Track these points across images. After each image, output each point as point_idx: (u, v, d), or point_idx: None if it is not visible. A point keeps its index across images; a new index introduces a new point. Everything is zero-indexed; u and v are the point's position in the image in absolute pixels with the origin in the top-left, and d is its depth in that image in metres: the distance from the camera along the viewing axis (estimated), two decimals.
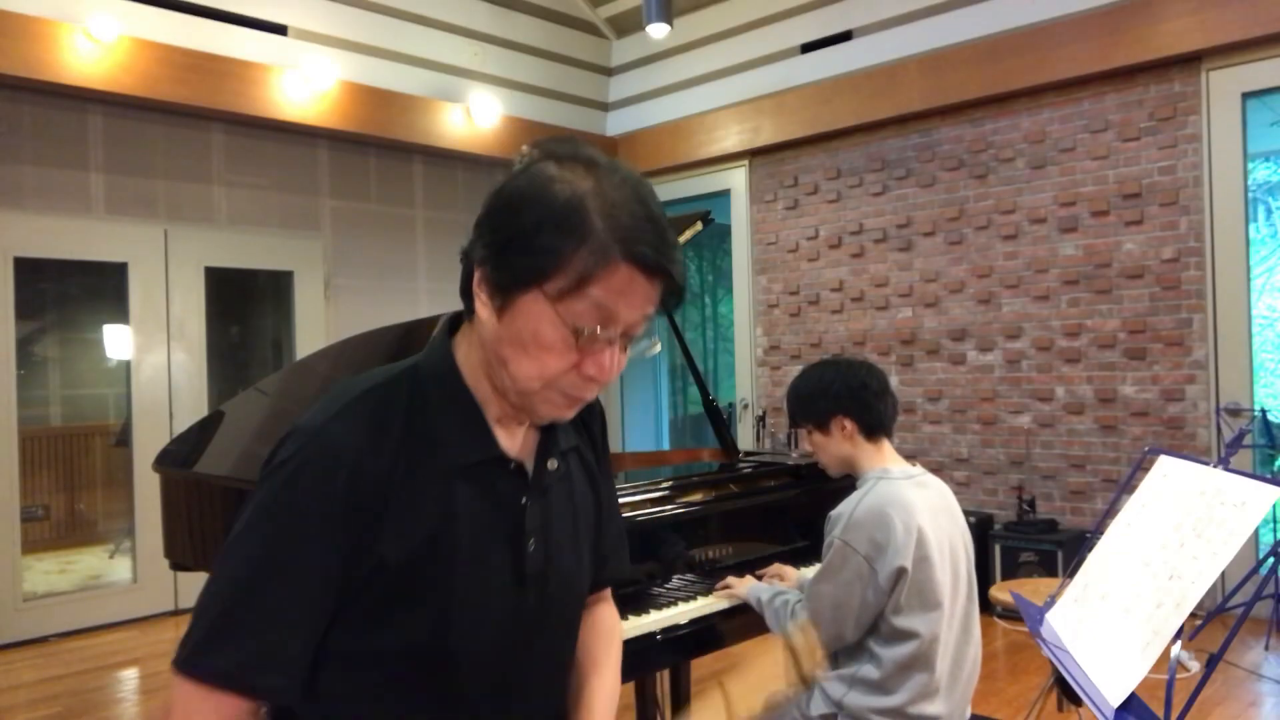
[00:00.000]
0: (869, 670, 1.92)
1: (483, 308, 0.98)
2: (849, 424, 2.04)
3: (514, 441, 1.07)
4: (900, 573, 1.85)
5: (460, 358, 1.04)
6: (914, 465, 2.06)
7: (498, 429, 1.05)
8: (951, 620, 1.95)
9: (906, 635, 1.88)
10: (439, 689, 1.00)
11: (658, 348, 0.87)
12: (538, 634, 1.08)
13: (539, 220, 0.92)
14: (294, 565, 0.93)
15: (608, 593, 1.31)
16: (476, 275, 0.98)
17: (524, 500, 1.06)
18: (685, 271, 0.99)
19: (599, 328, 0.95)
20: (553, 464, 1.11)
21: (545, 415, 1.03)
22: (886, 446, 2.07)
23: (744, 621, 2.17)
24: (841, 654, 1.99)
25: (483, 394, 1.04)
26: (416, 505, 0.98)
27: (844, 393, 2.04)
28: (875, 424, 2.04)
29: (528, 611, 1.06)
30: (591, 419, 1.23)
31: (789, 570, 2.37)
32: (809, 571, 2.34)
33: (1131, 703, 1.43)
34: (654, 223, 0.94)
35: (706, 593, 2.22)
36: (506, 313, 0.96)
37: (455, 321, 1.08)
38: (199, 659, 0.91)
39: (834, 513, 1.96)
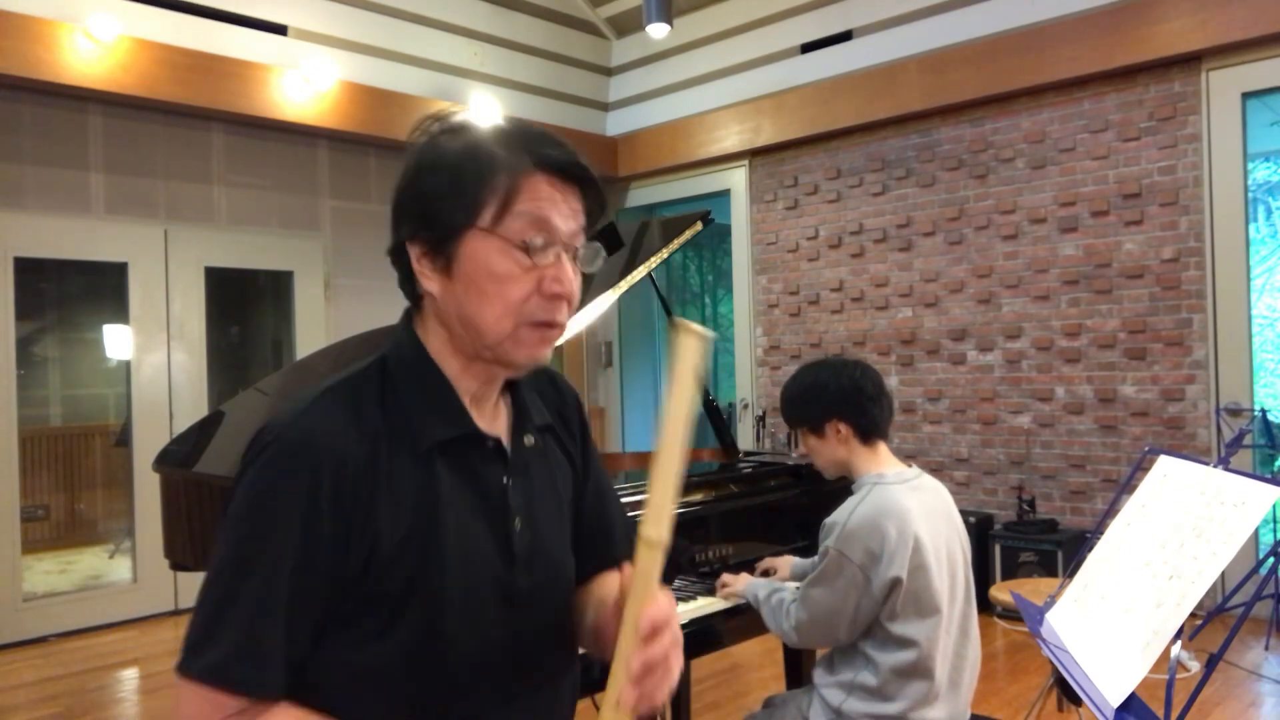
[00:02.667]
0: (866, 676, 1.89)
1: (430, 280, 1.02)
2: (844, 428, 2.00)
3: (488, 421, 1.09)
4: (895, 583, 1.83)
5: (425, 342, 1.07)
6: (910, 466, 2.03)
7: (472, 409, 1.06)
8: (950, 624, 1.93)
9: (904, 643, 1.86)
10: (434, 676, 1.00)
11: (602, 257, 0.92)
12: (529, 618, 1.07)
13: (450, 172, 0.99)
14: (269, 559, 0.93)
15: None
16: (413, 254, 1.02)
17: (506, 480, 1.07)
18: (597, 175, 1.05)
19: (541, 240, 0.99)
20: (529, 439, 1.12)
21: (523, 360, 1.04)
22: (882, 449, 2.03)
23: (743, 622, 2.17)
24: (839, 660, 1.97)
25: (452, 372, 1.05)
26: (400, 491, 0.98)
27: (838, 396, 2.00)
28: (871, 427, 2.01)
29: (519, 594, 1.05)
30: (567, 409, 1.23)
31: (781, 561, 2.36)
32: (806, 561, 2.34)
33: (1131, 703, 1.42)
34: (548, 135, 1.02)
35: (706, 593, 2.22)
36: (454, 267, 1.00)
37: (411, 316, 1.11)
38: (190, 659, 0.93)
39: (829, 520, 1.93)
